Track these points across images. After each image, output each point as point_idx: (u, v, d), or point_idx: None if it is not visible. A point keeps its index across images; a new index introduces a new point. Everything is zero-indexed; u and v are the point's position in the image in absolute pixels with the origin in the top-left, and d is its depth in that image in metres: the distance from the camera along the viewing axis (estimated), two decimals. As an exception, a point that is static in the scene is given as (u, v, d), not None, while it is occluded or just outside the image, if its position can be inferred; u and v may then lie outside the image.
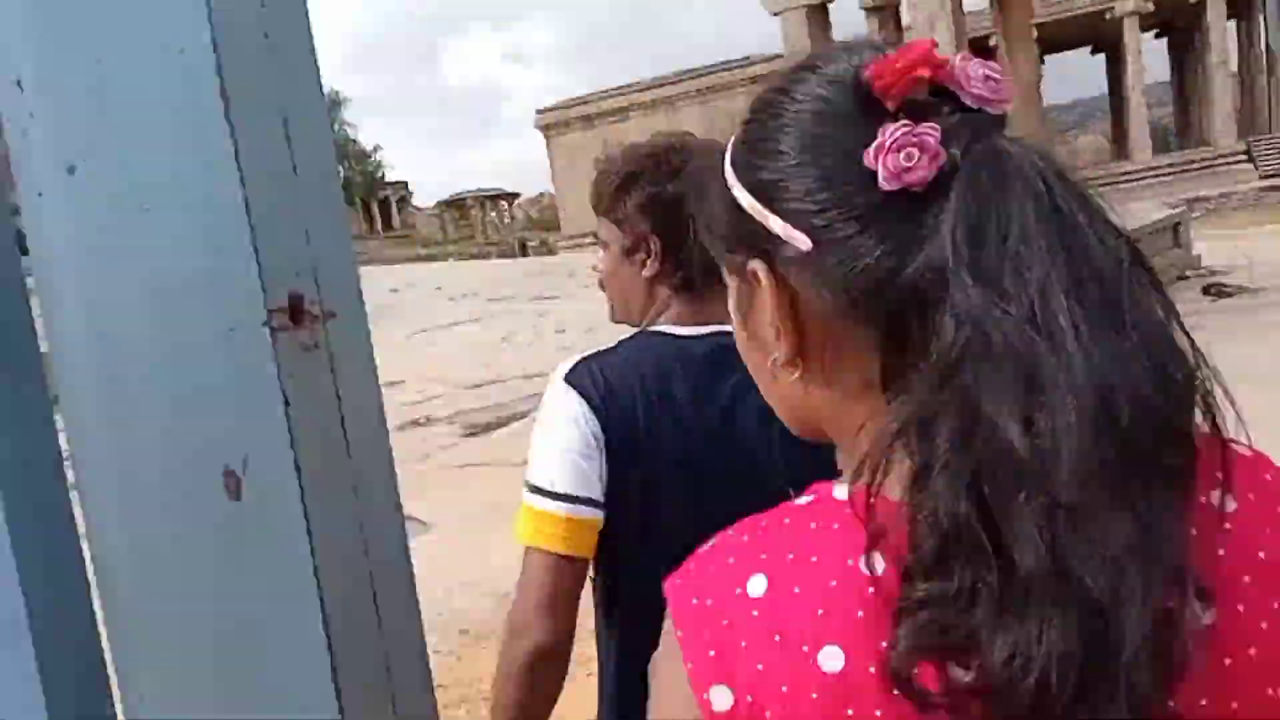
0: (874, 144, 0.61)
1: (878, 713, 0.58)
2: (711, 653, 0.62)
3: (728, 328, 1.08)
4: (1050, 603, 0.53)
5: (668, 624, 0.65)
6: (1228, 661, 0.58)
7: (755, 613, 0.61)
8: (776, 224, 0.66)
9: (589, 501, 1.43)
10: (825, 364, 0.68)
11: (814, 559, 0.61)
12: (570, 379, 1.46)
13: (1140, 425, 0.55)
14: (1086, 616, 0.52)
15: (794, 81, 0.68)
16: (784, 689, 0.60)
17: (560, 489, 1.43)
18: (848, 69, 0.65)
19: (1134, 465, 0.55)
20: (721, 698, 0.61)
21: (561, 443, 1.44)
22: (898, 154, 0.60)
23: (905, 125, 0.61)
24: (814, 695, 0.59)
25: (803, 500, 0.65)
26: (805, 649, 0.59)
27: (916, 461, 0.57)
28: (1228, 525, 0.60)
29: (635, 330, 1.55)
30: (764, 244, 0.67)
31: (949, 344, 0.57)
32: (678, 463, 1.40)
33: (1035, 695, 0.52)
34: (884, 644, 0.57)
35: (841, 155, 0.63)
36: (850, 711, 0.58)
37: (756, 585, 0.62)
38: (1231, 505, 0.61)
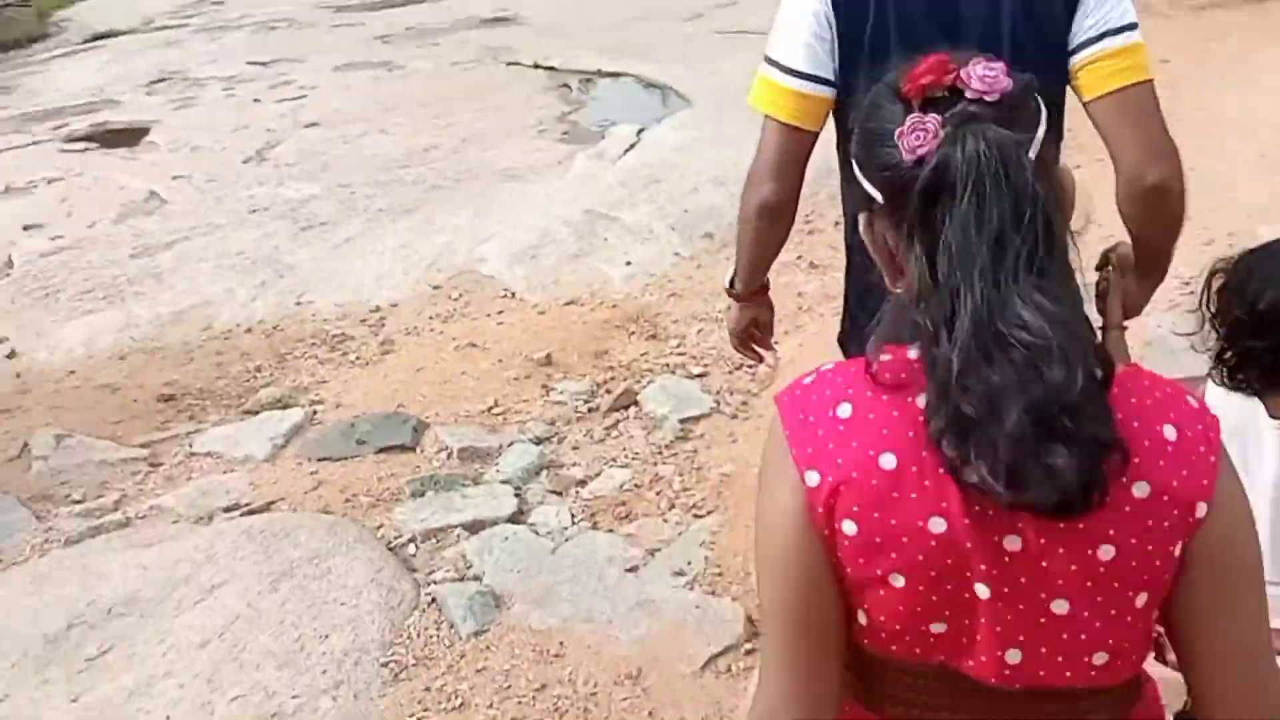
0: (897, 128, 0.90)
1: (913, 495, 0.91)
2: (810, 449, 0.94)
3: None
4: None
5: (776, 428, 0.97)
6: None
7: (841, 428, 0.93)
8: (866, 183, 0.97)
9: (818, 79, 1.58)
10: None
11: (884, 397, 0.93)
12: None
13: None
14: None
15: (875, 88, 0.98)
16: (854, 475, 0.92)
17: (792, 65, 1.58)
18: (893, 77, 0.94)
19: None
20: (813, 476, 0.93)
21: (798, 22, 1.58)
22: (910, 135, 0.89)
23: (916, 115, 0.90)
24: (874, 482, 0.91)
25: (884, 356, 0.95)
26: (871, 452, 0.92)
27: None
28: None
29: None
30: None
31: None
32: (904, 48, 1.29)
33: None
34: (924, 454, 0.90)
35: (887, 134, 0.91)
36: (895, 494, 0.91)
37: (844, 410, 0.94)
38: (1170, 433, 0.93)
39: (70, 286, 5.14)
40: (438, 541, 3.11)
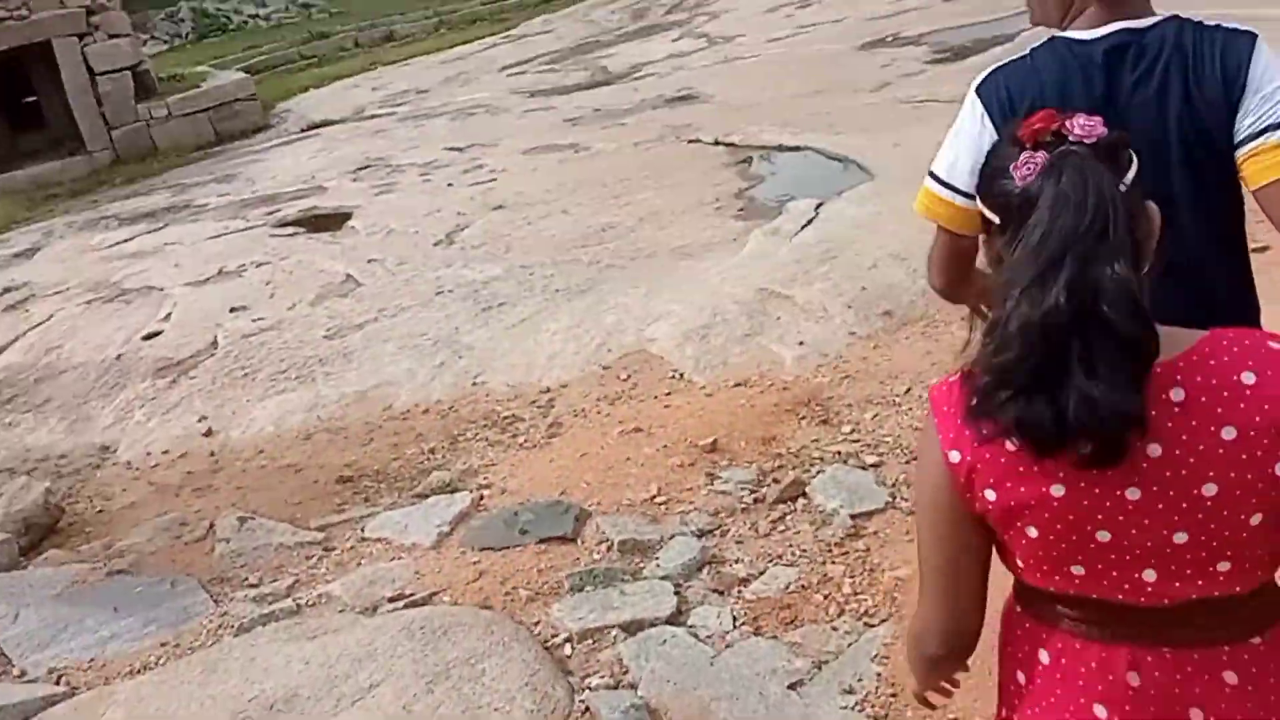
0: (1013, 162, 1.15)
1: (1035, 469, 1.11)
2: (951, 435, 1.17)
3: (1130, 24, 1.58)
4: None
5: (929, 414, 1.22)
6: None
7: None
8: (985, 209, 1.22)
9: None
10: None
11: None
12: (979, 90, 1.68)
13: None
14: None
15: (999, 139, 1.28)
16: (986, 456, 1.14)
17: (954, 182, 1.68)
18: (1012, 128, 1.19)
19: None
20: (955, 455, 1.17)
21: (965, 145, 1.68)
22: (1022, 167, 1.13)
23: (1028, 152, 1.14)
24: (1002, 460, 1.13)
25: None
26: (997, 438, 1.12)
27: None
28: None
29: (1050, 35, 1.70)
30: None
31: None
32: None
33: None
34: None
35: (1005, 169, 1.16)
36: (1021, 470, 1.12)
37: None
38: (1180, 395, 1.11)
39: (267, 366, 5.33)
40: (594, 642, 2.93)
